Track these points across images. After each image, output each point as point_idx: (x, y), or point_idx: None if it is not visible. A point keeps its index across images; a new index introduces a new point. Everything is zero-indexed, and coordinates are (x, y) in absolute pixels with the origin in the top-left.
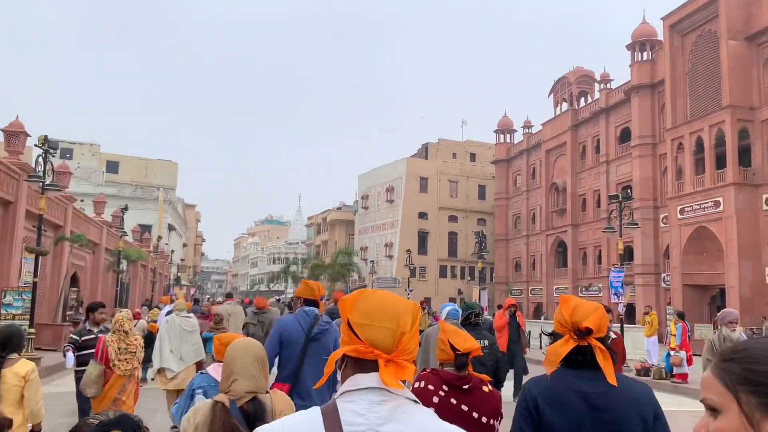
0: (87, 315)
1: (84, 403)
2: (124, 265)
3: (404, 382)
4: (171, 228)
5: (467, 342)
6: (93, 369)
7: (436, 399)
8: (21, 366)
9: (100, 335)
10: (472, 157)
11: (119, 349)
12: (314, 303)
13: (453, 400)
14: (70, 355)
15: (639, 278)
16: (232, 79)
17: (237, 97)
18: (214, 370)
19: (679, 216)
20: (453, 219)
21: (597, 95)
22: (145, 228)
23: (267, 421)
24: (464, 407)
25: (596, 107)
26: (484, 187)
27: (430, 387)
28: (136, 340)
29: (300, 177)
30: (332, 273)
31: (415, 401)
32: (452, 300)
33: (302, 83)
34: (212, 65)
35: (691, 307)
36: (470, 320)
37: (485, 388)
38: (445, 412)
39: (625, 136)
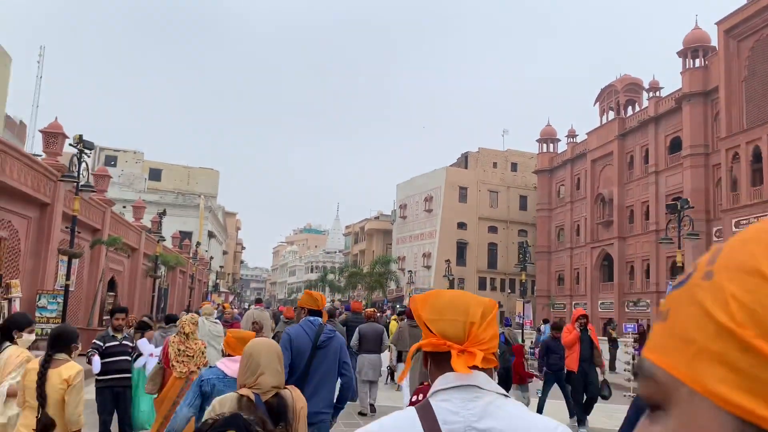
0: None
1: (106, 416)
2: (162, 270)
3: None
4: (211, 235)
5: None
6: (155, 368)
7: None
8: (66, 369)
9: (124, 341)
10: (513, 167)
11: (179, 351)
12: (318, 313)
13: None
14: (96, 359)
15: None
16: (273, 87)
17: (277, 106)
18: (224, 365)
19: (734, 229)
20: (493, 230)
21: (645, 104)
22: (185, 235)
23: (289, 416)
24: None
25: (645, 116)
26: (526, 198)
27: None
28: (196, 344)
29: (339, 186)
30: (369, 282)
31: (505, 396)
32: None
33: (344, 89)
34: (255, 73)
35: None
36: None
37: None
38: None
39: (675, 146)
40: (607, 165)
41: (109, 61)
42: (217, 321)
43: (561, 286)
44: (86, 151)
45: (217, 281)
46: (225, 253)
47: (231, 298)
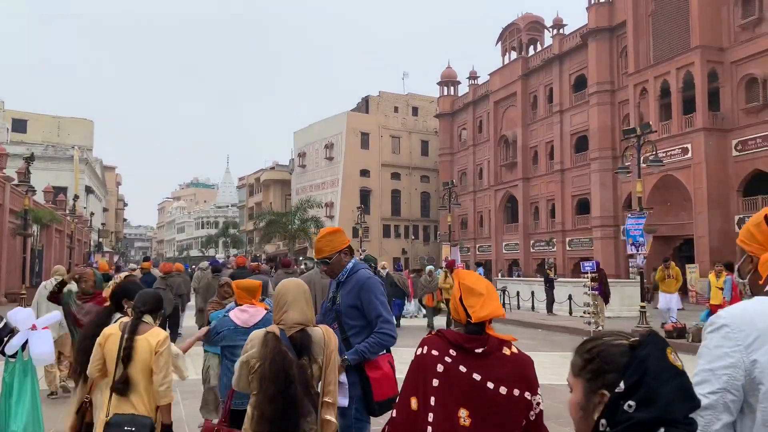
0: None
1: None
2: (34, 229)
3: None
4: (89, 191)
5: (484, 308)
6: None
7: (440, 367)
8: (153, 335)
9: None
10: (415, 111)
11: None
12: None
13: (462, 368)
14: None
15: (597, 231)
16: (151, 38)
17: (156, 58)
18: (234, 315)
19: (642, 165)
20: (396, 176)
21: (548, 43)
22: (60, 190)
23: (313, 351)
24: (476, 376)
25: (549, 54)
26: (428, 143)
27: (434, 352)
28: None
29: (228, 137)
30: (291, 231)
31: None
32: (396, 260)
33: (228, 38)
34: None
35: (655, 259)
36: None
37: (507, 351)
38: (453, 384)
39: (579, 84)
40: (511, 106)
41: None
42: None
43: (464, 229)
44: None
45: (100, 240)
46: (106, 210)
47: (116, 258)
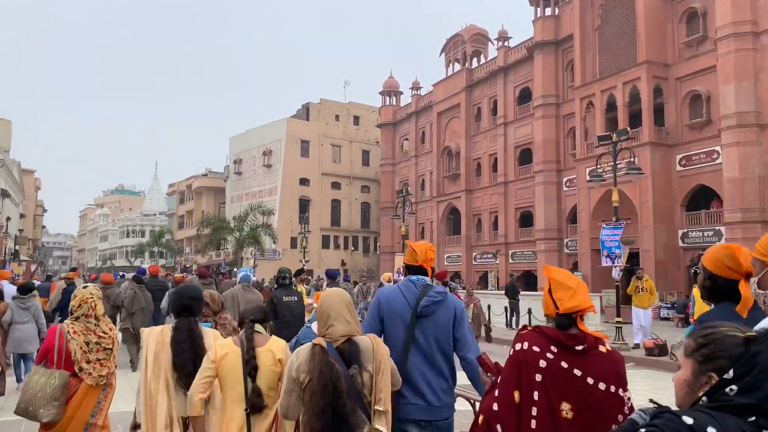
0: None
1: None
2: None
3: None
4: (5, 194)
5: (573, 299)
6: (48, 378)
7: (543, 363)
8: (274, 345)
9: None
10: (356, 120)
11: (87, 344)
12: (421, 270)
13: (564, 364)
14: None
15: (541, 244)
16: (74, 36)
17: (80, 57)
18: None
19: (588, 178)
20: (336, 186)
21: (492, 55)
22: None
23: (361, 360)
24: (577, 372)
25: (493, 66)
26: (368, 153)
27: (536, 348)
28: (111, 330)
29: (157, 143)
30: (240, 237)
31: None
32: (334, 270)
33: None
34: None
35: (600, 272)
36: (283, 282)
37: (602, 348)
38: (556, 379)
39: (524, 96)
40: (454, 117)
41: None
42: None
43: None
44: None
45: (16, 247)
46: (23, 216)
47: (34, 267)
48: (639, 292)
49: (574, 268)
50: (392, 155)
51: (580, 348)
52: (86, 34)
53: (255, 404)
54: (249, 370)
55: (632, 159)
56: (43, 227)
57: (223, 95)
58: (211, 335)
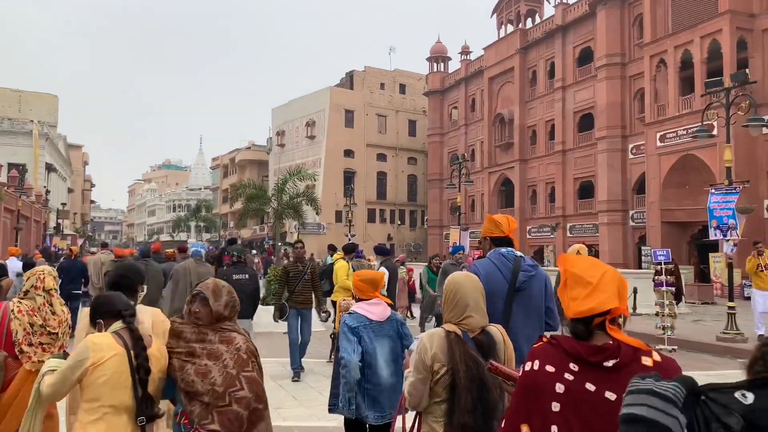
0: None
1: None
2: None
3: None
4: (51, 168)
5: (587, 301)
6: None
7: (560, 387)
8: (157, 347)
9: None
10: (402, 88)
11: (32, 325)
12: (507, 241)
13: (590, 386)
14: None
15: (603, 216)
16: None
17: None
18: (364, 309)
19: (659, 144)
20: (382, 157)
21: (549, 12)
22: (15, 167)
23: (498, 353)
24: (610, 395)
25: (550, 25)
26: (415, 123)
27: (549, 368)
28: (64, 311)
29: (202, 117)
30: (279, 209)
31: None
32: (384, 245)
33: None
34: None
35: (671, 246)
36: (235, 260)
37: (647, 360)
38: (580, 407)
39: (585, 57)
40: (507, 82)
41: None
42: None
43: (454, 215)
44: None
45: (59, 221)
46: (71, 191)
47: (80, 241)
48: (761, 271)
49: (641, 242)
50: (440, 125)
51: (610, 364)
52: (128, 12)
53: (148, 414)
54: (142, 376)
55: (752, 109)
56: (92, 202)
57: (267, 67)
58: (148, 312)
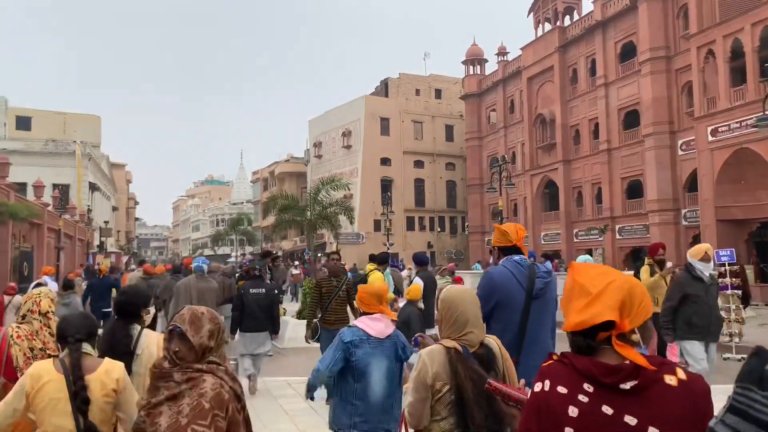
0: None
1: None
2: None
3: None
4: (94, 188)
5: (586, 310)
6: None
7: (574, 411)
8: (107, 370)
9: None
10: (438, 93)
11: (32, 350)
12: (516, 250)
13: (607, 409)
14: None
15: (654, 216)
16: (157, 33)
17: (164, 52)
18: (365, 324)
19: (710, 138)
20: (419, 164)
21: (588, 8)
22: (58, 187)
23: (497, 366)
24: (630, 420)
25: (590, 21)
26: (452, 127)
27: (562, 389)
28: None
29: (241, 132)
30: (312, 219)
31: None
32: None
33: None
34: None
35: (728, 245)
36: (253, 274)
37: (670, 379)
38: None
39: (627, 52)
40: (547, 82)
41: None
42: None
43: (496, 220)
44: None
45: (102, 239)
46: (115, 209)
47: (125, 259)
48: None
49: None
50: (478, 128)
51: (627, 386)
52: (165, 31)
53: None
54: (79, 404)
55: None
56: (137, 219)
57: (302, 80)
58: (153, 338)
